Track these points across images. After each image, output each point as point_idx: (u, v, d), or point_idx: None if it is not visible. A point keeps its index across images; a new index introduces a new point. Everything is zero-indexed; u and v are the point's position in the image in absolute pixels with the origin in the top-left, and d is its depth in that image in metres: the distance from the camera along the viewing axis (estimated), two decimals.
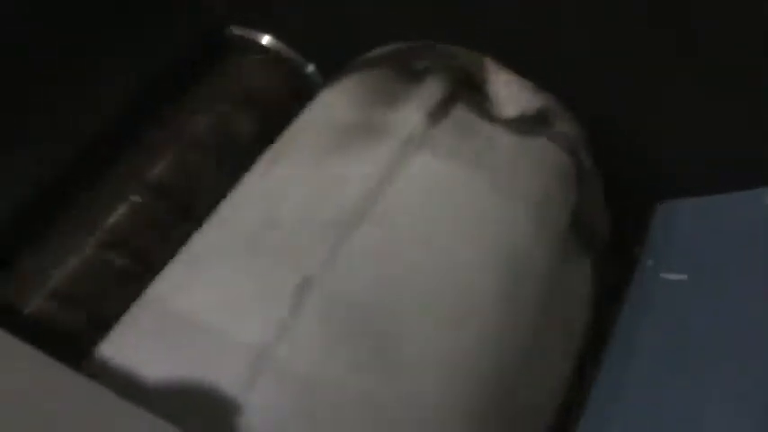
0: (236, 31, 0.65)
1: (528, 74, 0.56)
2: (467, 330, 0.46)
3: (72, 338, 0.49)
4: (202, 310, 0.45)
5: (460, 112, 0.53)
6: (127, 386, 0.42)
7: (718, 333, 0.47)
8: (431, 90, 0.54)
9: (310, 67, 0.65)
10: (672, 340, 0.49)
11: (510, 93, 0.55)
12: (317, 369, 0.43)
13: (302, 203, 0.49)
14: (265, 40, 0.64)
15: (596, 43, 0.57)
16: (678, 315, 0.50)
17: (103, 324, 0.48)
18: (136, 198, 0.54)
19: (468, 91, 0.54)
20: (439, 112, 0.53)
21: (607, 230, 0.56)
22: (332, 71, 0.63)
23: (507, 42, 0.57)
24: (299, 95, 0.63)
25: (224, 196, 0.53)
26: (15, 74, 0.51)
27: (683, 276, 0.51)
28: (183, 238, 0.52)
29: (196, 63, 0.62)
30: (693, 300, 0.50)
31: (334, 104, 0.55)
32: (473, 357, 0.46)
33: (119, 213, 0.53)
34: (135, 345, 0.46)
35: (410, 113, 0.52)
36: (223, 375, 0.42)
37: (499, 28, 0.59)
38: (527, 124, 0.54)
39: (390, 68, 0.56)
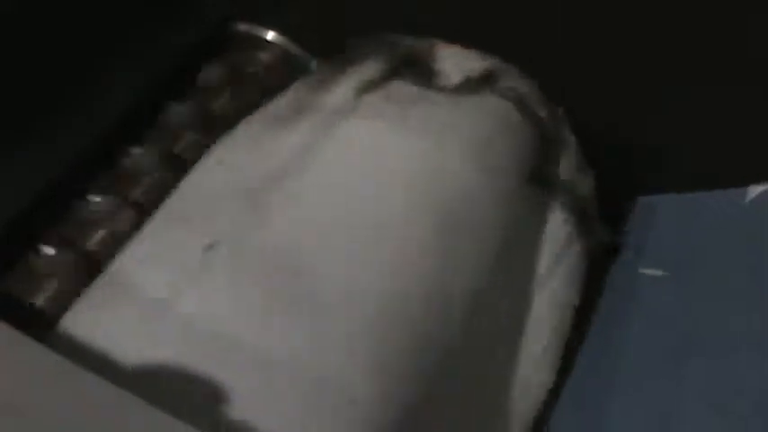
0: (241, 26, 0.65)
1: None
2: (394, 277, 0.46)
3: None
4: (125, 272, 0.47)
5: (396, 86, 0.53)
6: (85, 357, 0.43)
7: (695, 330, 0.48)
8: (366, 69, 0.54)
9: (315, 64, 0.65)
10: (648, 336, 0.49)
11: (455, 62, 0.55)
12: (223, 321, 0.44)
13: (225, 177, 0.51)
14: (270, 35, 0.65)
15: (581, 37, 0.57)
16: (655, 311, 0.50)
17: None
18: (140, 199, 0.54)
19: (411, 68, 0.55)
20: (370, 87, 0.53)
21: (591, 194, 0.55)
22: None
23: (497, 36, 0.57)
24: None
25: None
26: (16, 74, 0.51)
27: (662, 272, 0.52)
28: None
29: (200, 59, 0.62)
30: (671, 296, 0.51)
31: (277, 98, 0.57)
32: (399, 303, 0.45)
33: (122, 216, 0.53)
34: (90, 317, 0.46)
35: (341, 90, 0.53)
36: (125, 328, 0.44)
37: (491, 23, 0.60)
38: (471, 85, 0.54)
39: (337, 60, 0.57)
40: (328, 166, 0.49)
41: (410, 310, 0.45)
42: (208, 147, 0.56)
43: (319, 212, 0.47)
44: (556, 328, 0.51)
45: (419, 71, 0.55)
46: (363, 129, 0.51)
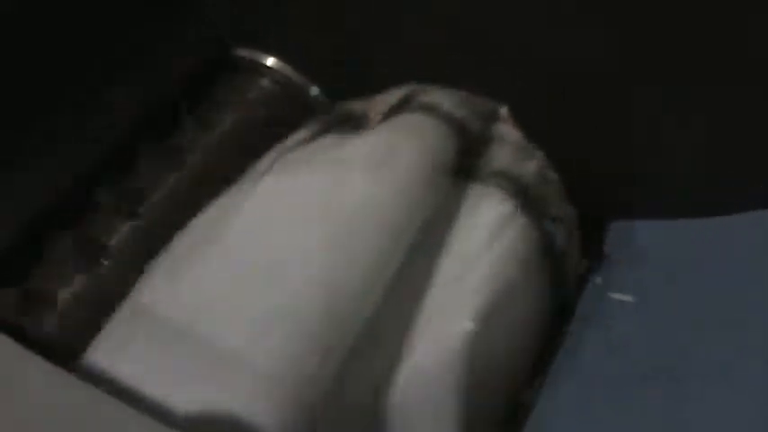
0: (241, 52, 0.65)
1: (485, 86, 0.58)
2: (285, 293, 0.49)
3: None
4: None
5: (320, 140, 0.57)
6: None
7: (661, 358, 0.49)
8: (297, 134, 0.58)
9: (314, 90, 0.66)
10: (614, 361, 0.50)
11: (381, 103, 0.59)
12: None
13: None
14: (270, 61, 0.65)
15: (553, 53, 0.58)
16: (621, 337, 0.51)
17: None
18: (139, 222, 0.55)
19: (343, 125, 0.58)
20: (296, 146, 0.57)
21: (533, 176, 0.56)
22: (336, 93, 0.64)
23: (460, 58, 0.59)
24: (303, 117, 0.63)
25: None
26: (12, 100, 0.51)
27: (630, 298, 0.52)
28: None
29: (200, 84, 0.62)
30: (638, 323, 0.51)
31: None
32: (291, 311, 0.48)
33: (121, 233, 0.55)
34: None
35: (271, 154, 0.57)
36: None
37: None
38: (387, 116, 0.57)
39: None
40: (241, 219, 0.52)
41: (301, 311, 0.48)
42: (205, 170, 0.58)
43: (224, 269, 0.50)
44: (489, 300, 0.52)
45: (351, 125, 0.58)
46: (272, 180, 0.54)
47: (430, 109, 0.57)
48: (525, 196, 0.55)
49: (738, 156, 0.55)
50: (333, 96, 0.65)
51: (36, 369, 0.41)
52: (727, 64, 0.53)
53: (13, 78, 0.52)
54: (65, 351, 0.49)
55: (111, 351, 0.48)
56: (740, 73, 0.53)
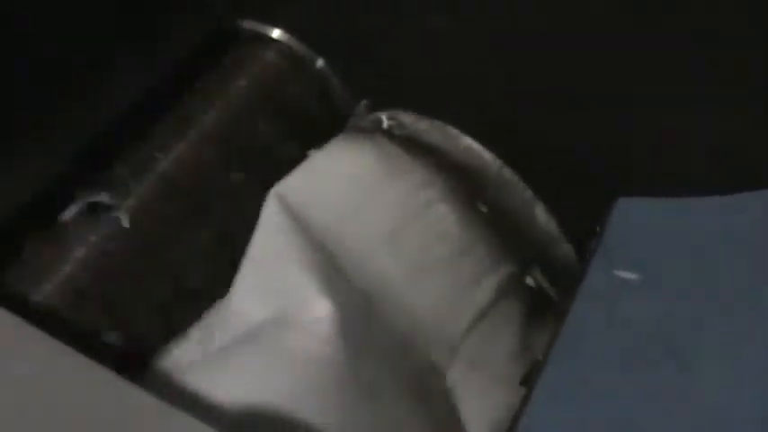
0: (246, 24, 0.65)
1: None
2: None
3: (86, 331, 0.51)
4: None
5: None
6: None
7: (664, 336, 0.49)
8: None
9: (320, 62, 0.65)
10: (617, 338, 0.50)
11: None
12: None
13: None
14: (275, 33, 0.65)
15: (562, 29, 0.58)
16: (625, 314, 0.51)
17: (116, 316, 0.52)
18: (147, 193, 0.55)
19: None
20: None
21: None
22: (341, 65, 0.64)
23: None
24: (308, 89, 0.65)
25: (235, 192, 0.58)
26: (20, 72, 0.52)
27: (635, 275, 0.52)
28: (193, 233, 0.56)
29: (204, 57, 0.62)
30: (642, 300, 0.51)
31: None
32: None
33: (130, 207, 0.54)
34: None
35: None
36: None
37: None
38: None
39: None
40: None
41: None
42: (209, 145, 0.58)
43: None
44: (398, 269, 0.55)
45: None
46: None
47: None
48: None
49: (742, 135, 0.55)
50: (338, 68, 0.65)
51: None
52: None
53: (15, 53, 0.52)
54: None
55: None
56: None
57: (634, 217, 0.56)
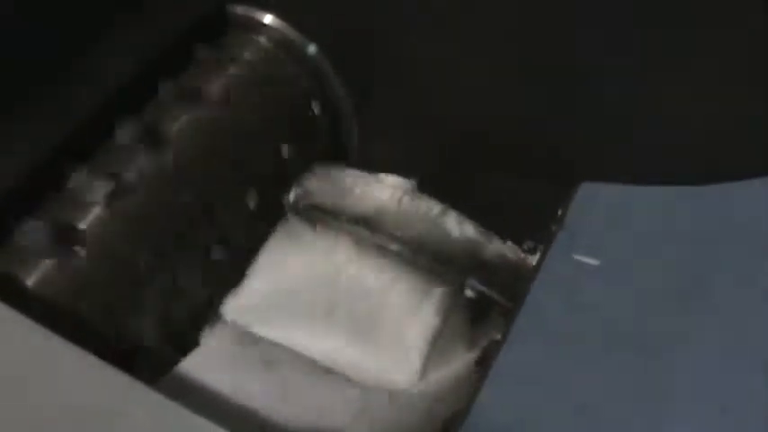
0: (238, 9, 0.65)
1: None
2: None
3: (83, 322, 0.51)
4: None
5: None
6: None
7: (620, 321, 0.49)
8: None
9: (312, 48, 0.66)
10: (575, 322, 0.50)
11: None
12: None
13: None
14: (267, 19, 0.65)
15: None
16: (584, 299, 0.51)
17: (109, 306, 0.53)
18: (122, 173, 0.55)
19: None
20: None
21: None
22: (333, 51, 0.65)
23: None
24: (299, 75, 0.65)
25: (232, 179, 0.60)
26: (14, 55, 0.52)
27: (595, 261, 0.52)
28: (189, 224, 0.57)
29: (196, 42, 0.62)
30: (601, 286, 0.51)
31: None
32: None
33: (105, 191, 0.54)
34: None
35: None
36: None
37: None
38: None
39: None
40: None
41: None
42: (197, 125, 0.59)
43: None
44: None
45: None
46: None
47: None
48: None
49: (711, 128, 0.54)
50: (329, 54, 0.65)
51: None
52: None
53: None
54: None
55: None
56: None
57: (596, 202, 0.56)
